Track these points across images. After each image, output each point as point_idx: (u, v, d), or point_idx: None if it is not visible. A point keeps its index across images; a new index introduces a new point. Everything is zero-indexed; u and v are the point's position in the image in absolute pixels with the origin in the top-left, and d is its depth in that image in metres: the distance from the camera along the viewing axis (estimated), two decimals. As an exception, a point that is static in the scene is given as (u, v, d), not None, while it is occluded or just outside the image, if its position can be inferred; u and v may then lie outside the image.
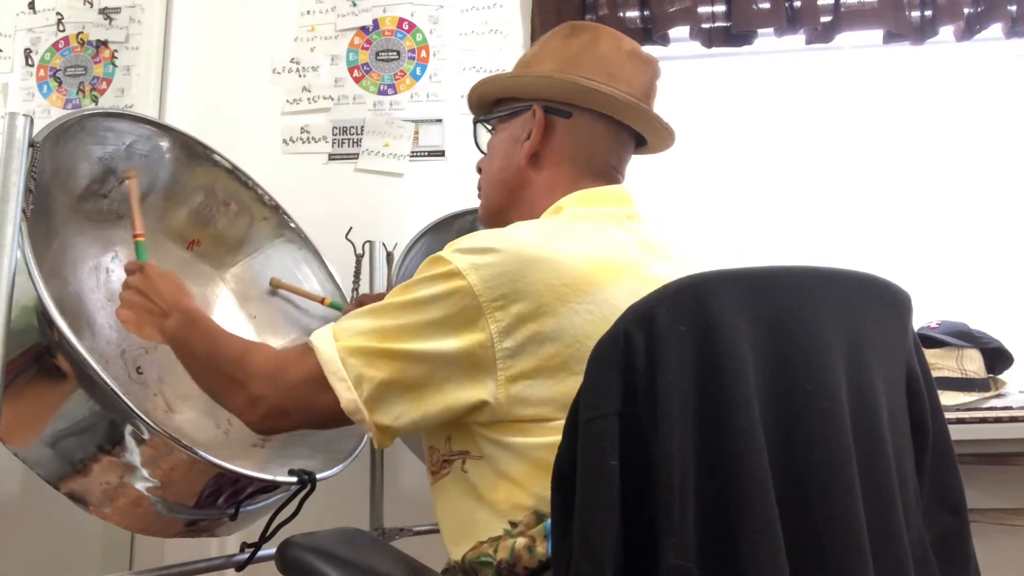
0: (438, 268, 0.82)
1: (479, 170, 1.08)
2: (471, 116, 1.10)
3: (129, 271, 1.14)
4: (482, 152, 1.08)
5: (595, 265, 0.83)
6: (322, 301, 1.43)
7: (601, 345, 0.65)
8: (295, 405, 0.87)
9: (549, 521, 0.75)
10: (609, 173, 1.00)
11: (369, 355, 0.82)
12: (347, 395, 0.81)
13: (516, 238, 0.84)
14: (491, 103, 1.06)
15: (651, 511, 0.61)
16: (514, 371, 0.80)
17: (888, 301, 0.77)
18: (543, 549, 0.77)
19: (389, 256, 1.55)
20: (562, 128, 0.98)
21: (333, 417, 0.84)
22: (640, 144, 1.05)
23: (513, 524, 0.81)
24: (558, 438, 0.66)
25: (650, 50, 1.10)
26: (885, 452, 0.70)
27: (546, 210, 0.96)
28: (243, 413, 0.90)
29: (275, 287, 1.45)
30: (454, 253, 0.82)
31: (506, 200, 1.02)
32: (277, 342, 1.44)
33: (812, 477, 0.65)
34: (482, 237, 0.85)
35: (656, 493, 0.60)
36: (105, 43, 1.88)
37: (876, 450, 0.69)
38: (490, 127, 1.06)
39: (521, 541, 0.79)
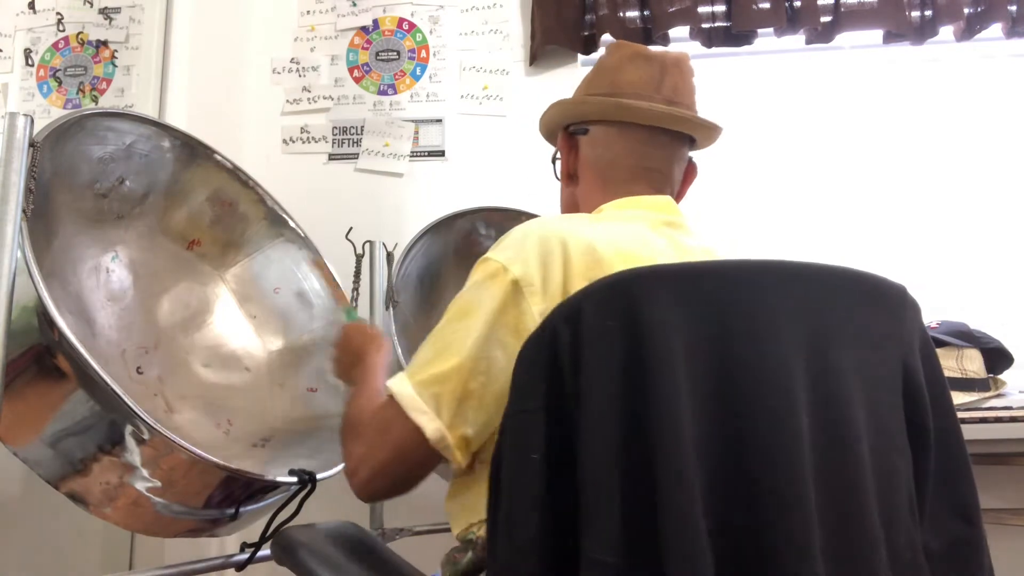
0: (479, 271, 0.86)
1: None
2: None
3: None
4: (558, 178, 1.14)
5: (618, 254, 0.84)
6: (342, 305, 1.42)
7: (529, 341, 0.66)
8: (386, 456, 0.86)
9: None
10: (648, 177, 1.01)
11: (441, 378, 0.82)
12: (431, 424, 0.82)
13: (547, 225, 0.88)
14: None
15: (576, 504, 0.61)
16: None
17: (869, 295, 0.75)
18: None
19: (389, 256, 1.55)
20: (584, 144, 1.04)
21: (424, 454, 0.83)
22: (692, 141, 1.06)
23: None
24: None
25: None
26: (857, 453, 0.68)
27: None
28: (351, 479, 0.89)
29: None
30: (493, 251, 0.86)
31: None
32: (277, 342, 1.44)
33: (755, 474, 0.63)
34: (515, 231, 0.88)
35: (580, 486, 0.61)
36: (105, 43, 1.88)
37: (843, 451, 0.67)
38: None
39: None
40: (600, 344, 0.63)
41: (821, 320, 0.70)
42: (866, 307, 0.74)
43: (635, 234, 0.90)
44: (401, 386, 0.84)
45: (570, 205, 1.08)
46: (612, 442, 0.61)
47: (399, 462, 0.85)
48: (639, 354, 0.62)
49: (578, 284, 0.79)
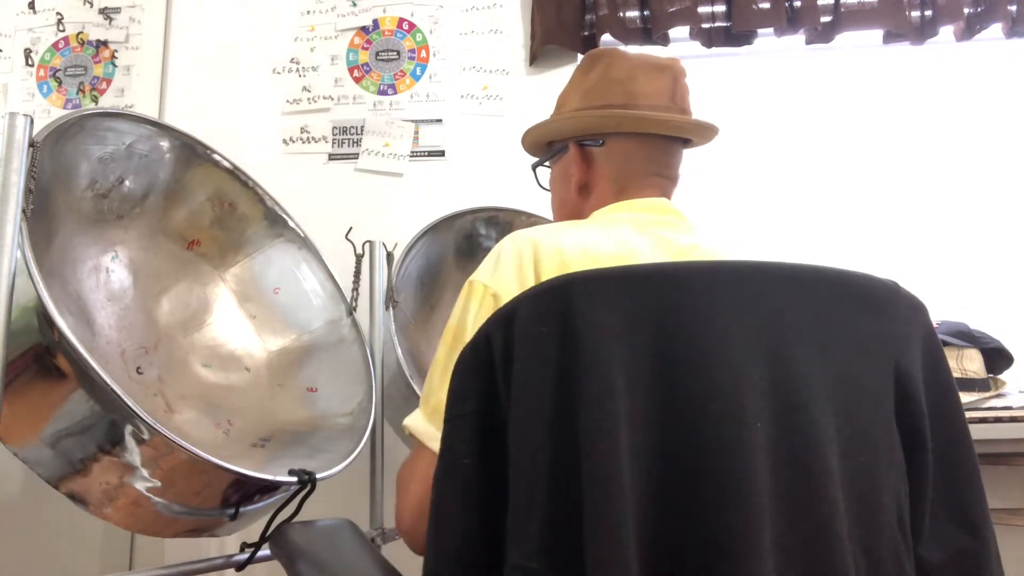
0: (463, 294, 0.88)
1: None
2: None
3: None
4: (544, 188, 1.15)
5: (585, 256, 0.86)
6: None
7: (465, 347, 0.66)
8: (419, 491, 0.82)
9: None
10: (657, 182, 1.03)
11: (437, 387, 0.84)
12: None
13: (519, 235, 0.89)
14: (544, 146, 1.13)
15: (505, 511, 0.60)
16: None
17: (851, 296, 0.71)
18: None
19: (389, 256, 1.55)
20: (600, 156, 1.04)
21: None
22: (687, 141, 1.08)
23: None
24: None
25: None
26: (820, 459, 0.64)
27: None
28: (399, 528, 0.87)
29: None
30: (474, 273, 0.88)
31: None
32: (277, 342, 1.44)
33: (694, 482, 0.61)
34: (492, 249, 0.90)
35: (509, 493, 0.60)
36: (105, 43, 1.88)
37: (805, 457, 0.64)
38: (547, 165, 1.13)
39: None
40: (533, 349, 0.62)
41: (782, 322, 0.66)
42: (845, 307, 0.70)
43: (613, 236, 0.91)
44: (415, 421, 0.86)
45: (576, 218, 1.06)
46: (540, 448, 0.60)
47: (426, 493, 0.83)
48: (572, 360, 0.61)
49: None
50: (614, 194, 1.02)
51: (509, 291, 0.83)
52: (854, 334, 0.69)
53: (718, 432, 0.62)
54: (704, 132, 1.05)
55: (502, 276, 0.85)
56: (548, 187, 1.14)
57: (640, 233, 0.93)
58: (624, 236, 0.92)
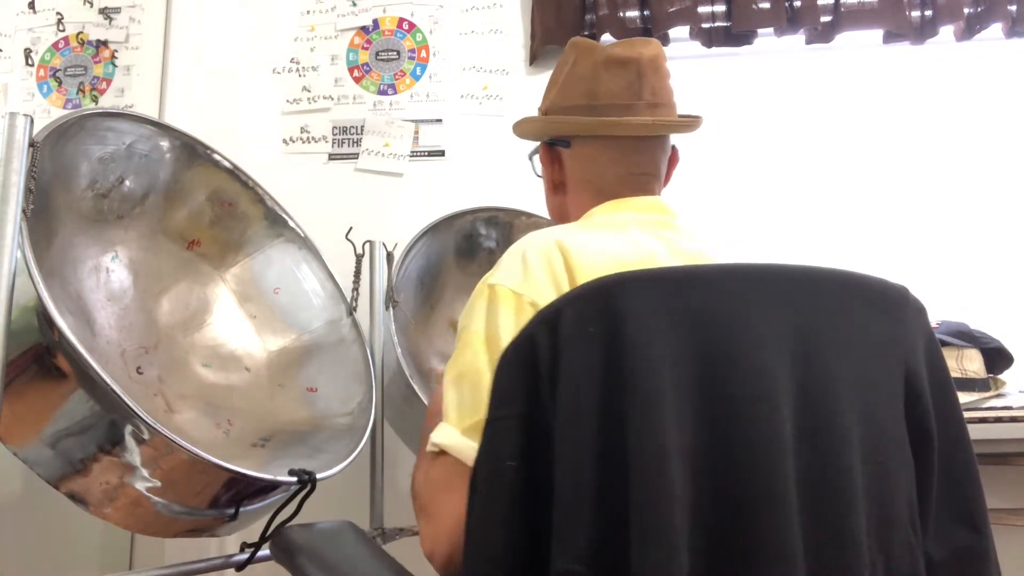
0: (490, 297, 0.83)
1: None
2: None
3: None
4: (539, 176, 1.14)
5: (606, 259, 0.84)
6: None
7: (508, 348, 0.65)
8: (462, 515, 0.78)
9: None
10: (637, 181, 1.00)
11: (477, 404, 0.77)
12: None
13: (539, 237, 0.87)
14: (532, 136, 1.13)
15: (549, 513, 0.59)
16: None
17: (867, 298, 0.72)
18: None
19: (389, 256, 1.55)
20: (567, 157, 1.04)
21: None
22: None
23: None
24: None
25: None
26: (843, 458, 0.65)
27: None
28: (433, 564, 0.80)
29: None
30: (497, 277, 0.84)
31: (560, 224, 1.04)
32: (277, 342, 1.44)
33: (736, 483, 0.61)
34: (514, 253, 0.86)
35: (554, 495, 0.59)
36: (105, 43, 1.88)
37: (829, 456, 0.65)
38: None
39: None
40: (579, 351, 0.61)
41: (809, 324, 0.67)
42: (863, 310, 0.72)
43: (630, 240, 0.90)
44: (451, 438, 0.78)
45: (560, 213, 1.07)
46: (587, 451, 0.60)
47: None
48: (619, 361, 0.60)
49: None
50: (589, 195, 1.00)
51: (547, 297, 0.79)
52: (870, 336, 0.71)
53: (758, 433, 0.63)
54: (678, 128, 1.02)
55: (535, 282, 0.81)
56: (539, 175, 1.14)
57: (650, 235, 0.92)
58: (638, 239, 0.91)
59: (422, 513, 0.82)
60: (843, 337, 0.69)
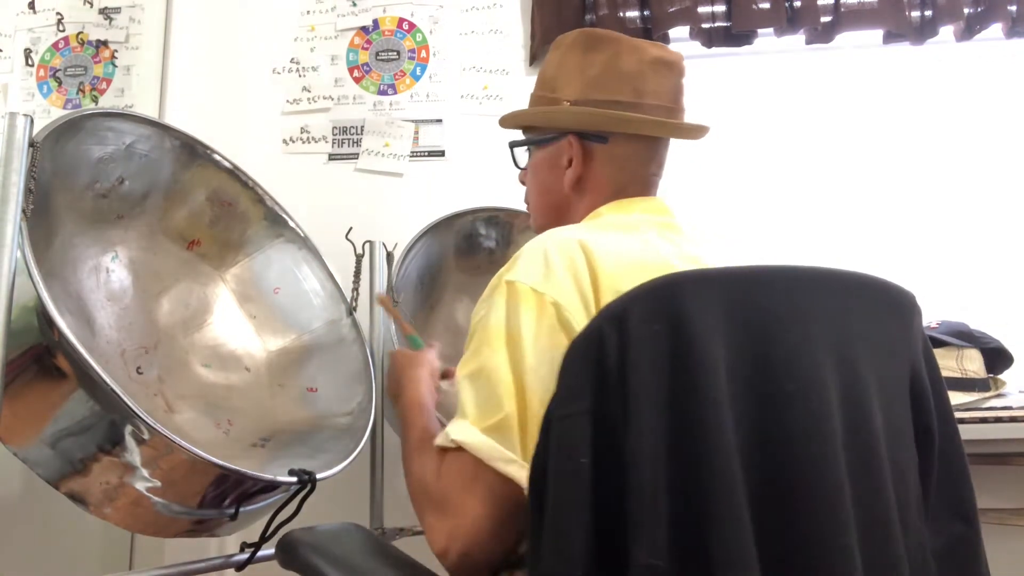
0: (509, 294, 0.81)
1: (522, 182, 1.12)
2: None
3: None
4: (519, 168, 1.10)
5: (630, 264, 0.83)
6: (405, 332, 1.36)
7: (575, 344, 0.66)
8: (482, 516, 0.76)
9: None
10: (652, 181, 1.02)
11: (509, 421, 0.76)
12: (522, 472, 0.74)
13: (558, 238, 0.85)
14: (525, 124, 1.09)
15: (622, 509, 0.60)
16: None
17: (885, 302, 0.76)
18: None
19: (389, 256, 1.55)
20: (600, 154, 0.99)
21: (517, 502, 0.74)
22: None
23: None
24: None
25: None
26: (879, 455, 0.69)
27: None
28: (443, 562, 0.79)
29: (380, 302, 1.44)
30: (517, 274, 0.82)
31: (554, 219, 1.02)
32: (277, 342, 1.44)
33: (795, 478, 0.64)
34: (534, 250, 0.84)
35: (627, 491, 0.60)
36: (105, 43, 1.88)
37: (868, 453, 0.68)
38: (527, 147, 1.08)
39: None
40: (647, 348, 0.62)
41: (846, 326, 0.71)
42: (883, 314, 0.75)
43: (645, 243, 0.90)
44: (471, 436, 0.76)
45: (557, 211, 1.02)
46: (660, 447, 0.61)
47: (495, 520, 0.76)
48: (685, 359, 0.62)
49: (608, 298, 0.77)
50: (611, 193, 0.99)
51: (569, 301, 0.78)
52: (887, 337, 0.75)
53: (811, 429, 0.65)
54: (702, 134, 1.04)
55: (557, 281, 0.79)
56: (523, 166, 1.09)
57: (660, 238, 0.92)
58: (650, 241, 0.90)
59: (435, 509, 0.80)
60: (868, 337, 0.72)
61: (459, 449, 0.77)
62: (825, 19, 1.78)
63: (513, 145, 1.09)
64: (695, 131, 1.02)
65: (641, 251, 0.87)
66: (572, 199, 1.01)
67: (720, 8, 1.81)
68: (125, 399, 0.92)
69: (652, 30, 1.81)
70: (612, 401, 0.62)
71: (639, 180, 1.00)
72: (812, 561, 0.63)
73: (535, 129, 1.06)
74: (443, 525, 0.78)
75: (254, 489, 1.09)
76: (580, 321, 0.77)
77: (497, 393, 0.77)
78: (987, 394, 1.53)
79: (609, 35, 1.01)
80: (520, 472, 0.74)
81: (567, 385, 0.65)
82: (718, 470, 0.61)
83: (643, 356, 0.62)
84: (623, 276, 0.79)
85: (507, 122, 1.10)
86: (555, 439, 0.64)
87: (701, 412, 0.62)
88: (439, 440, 0.80)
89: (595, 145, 0.99)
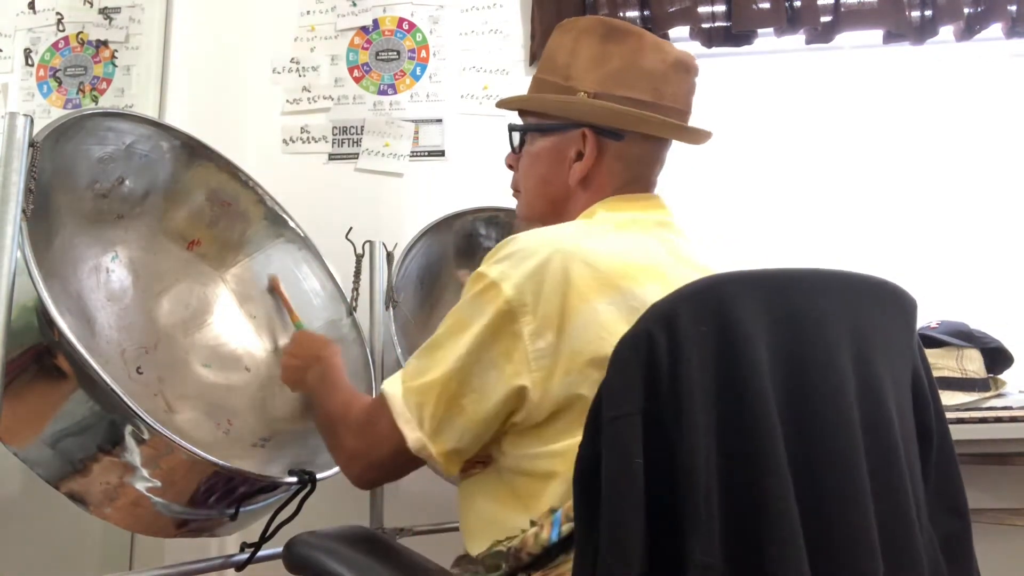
0: (476, 286, 0.85)
1: (510, 166, 1.08)
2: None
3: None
4: (514, 151, 1.06)
5: (620, 265, 0.83)
6: (294, 319, 1.41)
7: (623, 344, 0.66)
8: (382, 455, 0.90)
9: (559, 511, 0.78)
10: (652, 182, 1.02)
11: (426, 389, 0.84)
12: (413, 434, 0.85)
13: (547, 240, 0.85)
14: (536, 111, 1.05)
15: (675, 509, 0.61)
16: (547, 371, 0.80)
17: (895, 304, 0.78)
18: (547, 535, 0.78)
19: (389, 256, 1.55)
20: (612, 150, 0.98)
21: (411, 460, 0.87)
22: None
23: (533, 523, 0.82)
24: None
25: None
26: (897, 453, 0.71)
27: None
28: (345, 471, 0.95)
29: (272, 288, 1.45)
30: (490, 266, 0.84)
31: (549, 212, 1.02)
32: (278, 341, 1.44)
33: (825, 477, 0.66)
34: (514, 243, 0.85)
35: (680, 491, 0.61)
36: (105, 43, 1.88)
37: (888, 451, 0.70)
38: (537, 133, 1.04)
39: (531, 531, 0.80)
40: (695, 348, 0.64)
41: (863, 327, 0.73)
42: (892, 315, 0.78)
43: (635, 243, 0.90)
44: (393, 389, 0.87)
45: (561, 202, 1.00)
46: (712, 446, 0.62)
47: (389, 459, 0.89)
48: (732, 360, 0.64)
49: (577, 303, 0.79)
50: (613, 191, 0.98)
51: (523, 299, 0.80)
52: (896, 338, 0.77)
53: (839, 429, 0.67)
54: (705, 140, 1.04)
55: (521, 281, 0.80)
56: (517, 150, 1.06)
57: (652, 237, 0.92)
58: (645, 243, 0.90)
59: (345, 428, 0.95)
60: (881, 338, 0.75)
61: (383, 396, 0.88)
62: (825, 19, 1.78)
63: (513, 129, 1.06)
64: (702, 136, 1.03)
65: (630, 252, 0.87)
66: (574, 193, 0.99)
67: (720, 8, 1.81)
68: (125, 399, 0.92)
69: (652, 30, 1.80)
70: (663, 401, 0.63)
71: (642, 179, 1.00)
72: (841, 561, 0.64)
73: (543, 116, 1.02)
74: (350, 445, 0.94)
75: (254, 489, 1.09)
76: (527, 324, 0.80)
77: (427, 363, 0.85)
78: (987, 394, 1.53)
79: (629, 28, 0.99)
80: (412, 434, 0.84)
81: (617, 385, 0.65)
82: (770, 470, 0.62)
83: (693, 356, 0.63)
84: (600, 279, 0.81)
85: (512, 104, 1.06)
86: (607, 440, 0.64)
87: (751, 412, 0.63)
88: (385, 387, 0.89)
89: (608, 141, 0.97)
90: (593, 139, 0.97)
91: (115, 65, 1.87)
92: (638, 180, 1.00)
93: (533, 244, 0.83)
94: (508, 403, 0.82)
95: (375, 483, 0.99)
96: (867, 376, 0.71)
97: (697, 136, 1.02)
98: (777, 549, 0.60)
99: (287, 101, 1.94)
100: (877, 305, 0.76)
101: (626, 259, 0.85)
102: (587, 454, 0.66)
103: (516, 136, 1.06)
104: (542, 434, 0.82)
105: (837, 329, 0.71)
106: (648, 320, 0.66)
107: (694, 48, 1.83)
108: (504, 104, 1.07)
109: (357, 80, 1.94)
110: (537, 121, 1.03)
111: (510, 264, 0.82)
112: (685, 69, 0.99)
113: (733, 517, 0.61)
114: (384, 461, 0.90)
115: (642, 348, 0.64)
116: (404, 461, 0.88)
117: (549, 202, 1.02)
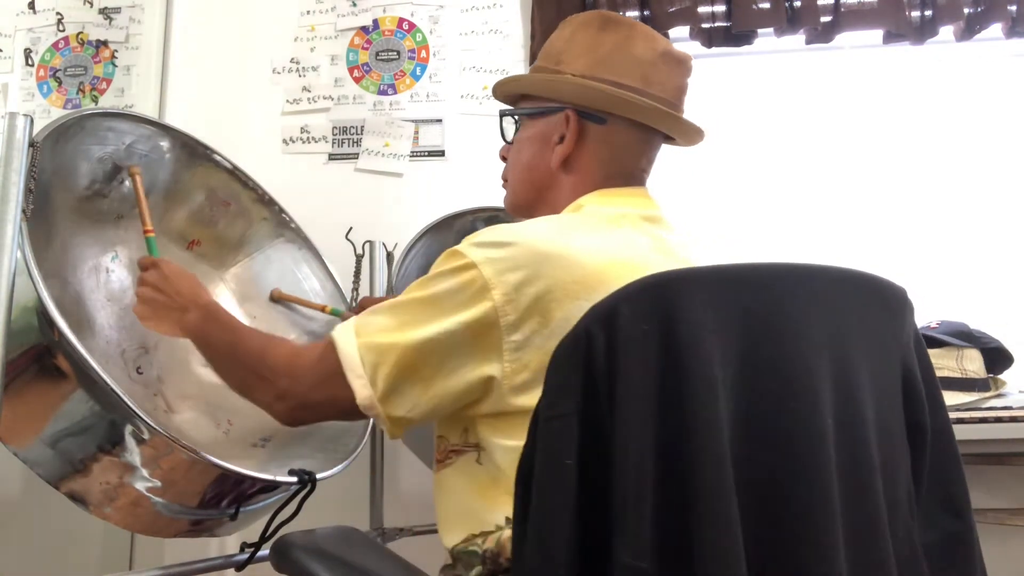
0: (454, 262, 0.83)
1: (503, 158, 1.08)
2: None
3: (143, 267, 1.15)
4: (506, 141, 1.06)
5: (607, 263, 0.83)
6: (323, 309, 1.43)
7: (562, 344, 0.65)
8: (319, 399, 0.89)
9: None
10: (640, 176, 1.01)
11: (385, 350, 0.83)
12: (363, 391, 0.83)
13: (532, 233, 0.85)
14: (518, 95, 1.05)
15: (607, 511, 0.60)
16: (520, 363, 0.80)
17: (877, 297, 0.76)
18: None
19: (389, 256, 1.55)
20: (595, 134, 0.97)
21: (354, 411, 0.86)
22: (669, 138, 1.04)
23: (508, 520, 0.81)
24: None
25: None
26: (869, 452, 0.69)
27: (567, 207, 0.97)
28: (270, 407, 0.93)
29: (276, 299, 1.45)
30: (470, 247, 0.83)
31: (534, 199, 1.02)
32: (277, 342, 1.44)
33: (783, 477, 0.64)
34: (499, 231, 0.85)
35: (612, 493, 0.60)
36: (105, 43, 1.88)
37: (859, 450, 0.68)
38: (516, 120, 1.04)
39: (507, 533, 0.80)
40: (636, 348, 0.62)
41: (839, 322, 0.70)
42: (874, 309, 0.75)
43: (623, 240, 0.89)
44: (346, 341, 0.85)
45: (544, 188, 0.99)
46: (648, 448, 0.60)
47: (328, 405, 0.89)
48: (676, 359, 0.62)
49: (559, 298, 0.79)
50: (599, 179, 0.96)
51: (508, 307, 0.79)
52: (879, 333, 0.74)
53: (800, 428, 0.65)
54: (696, 138, 1.03)
55: (507, 281, 0.80)
56: (509, 139, 1.05)
57: (639, 232, 0.91)
58: (631, 238, 0.90)
59: (273, 365, 0.91)
60: (860, 334, 0.72)
61: (332, 345, 0.86)
62: (825, 19, 1.78)
63: (504, 114, 1.05)
64: (692, 132, 1.01)
65: (615, 248, 0.86)
66: (557, 178, 0.98)
67: (720, 8, 1.81)
68: (125, 399, 0.92)
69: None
70: (600, 402, 0.62)
71: (628, 171, 0.99)
72: (797, 561, 0.63)
73: (531, 99, 1.02)
74: (283, 383, 0.90)
75: (254, 489, 1.09)
76: (509, 334, 0.79)
77: (392, 324, 0.84)
78: (987, 394, 1.53)
79: (625, 19, 1.00)
80: (363, 391, 0.83)
81: (554, 386, 0.64)
82: (707, 472, 0.60)
83: (632, 357, 0.62)
84: (585, 277, 0.80)
85: (503, 87, 1.05)
86: (542, 440, 0.63)
87: (691, 413, 0.61)
88: (333, 334, 0.87)
89: (592, 125, 0.96)
90: (576, 120, 0.96)
91: (115, 65, 1.87)
92: (625, 172, 0.98)
93: (519, 236, 0.83)
94: (472, 390, 0.82)
95: (305, 422, 0.95)
96: (841, 372, 0.68)
97: (687, 132, 1.01)
98: (708, 552, 0.58)
99: (287, 101, 1.94)
100: (853, 298, 0.73)
101: (611, 256, 0.84)
102: (527, 454, 0.65)
103: (508, 126, 1.06)
104: (515, 431, 0.81)
105: (806, 325, 0.68)
106: (588, 319, 0.64)
107: (694, 48, 1.83)
108: (495, 90, 1.07)
109: (357, 80, 1.94)
110: (527, 106, 1.03)
111: (494, 252, 0.82)
112: (676, 61, 0.98)
113: (666, 519, 0.59)
114: (322, 405, 0.90)
115: (581, 347, 0.63)
116: (345, 410, 0.87)
117: (534, 189, 1.01)
